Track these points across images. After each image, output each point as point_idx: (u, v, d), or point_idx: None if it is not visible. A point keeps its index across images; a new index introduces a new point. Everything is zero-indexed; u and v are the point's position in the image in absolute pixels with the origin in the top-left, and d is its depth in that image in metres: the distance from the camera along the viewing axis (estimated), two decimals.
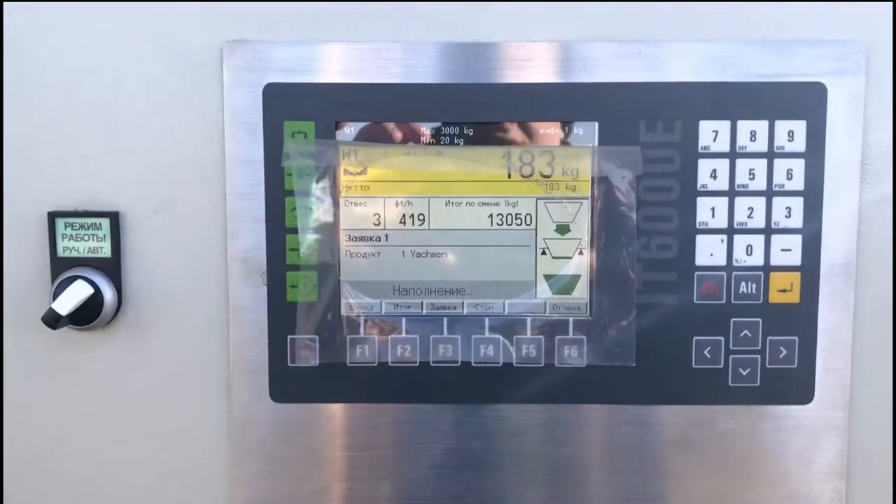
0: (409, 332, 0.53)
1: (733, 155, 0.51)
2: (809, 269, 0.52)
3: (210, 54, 0.51)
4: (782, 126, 0.51)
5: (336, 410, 0.53)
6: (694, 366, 0.52)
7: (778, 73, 0.51)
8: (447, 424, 0.53)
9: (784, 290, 0.52)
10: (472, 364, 0.52)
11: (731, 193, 0.51)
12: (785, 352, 0.52)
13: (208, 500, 0.54)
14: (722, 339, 0.52)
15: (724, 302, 0.52)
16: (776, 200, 0.51)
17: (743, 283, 0.52)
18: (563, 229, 0.52)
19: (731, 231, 0.52)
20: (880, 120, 0.51)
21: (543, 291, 0.52)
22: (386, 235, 0.52)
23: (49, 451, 0.54)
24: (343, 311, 0.52)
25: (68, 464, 0.54)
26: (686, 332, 0.52)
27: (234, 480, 0.53)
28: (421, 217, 0.52)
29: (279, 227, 0.51)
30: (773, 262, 0.52)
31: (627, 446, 0.53)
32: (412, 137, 0.51)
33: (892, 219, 0.52)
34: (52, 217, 0.52)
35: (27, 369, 0.53)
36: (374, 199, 0.52)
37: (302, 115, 0.51)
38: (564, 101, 0.51)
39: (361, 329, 0.53)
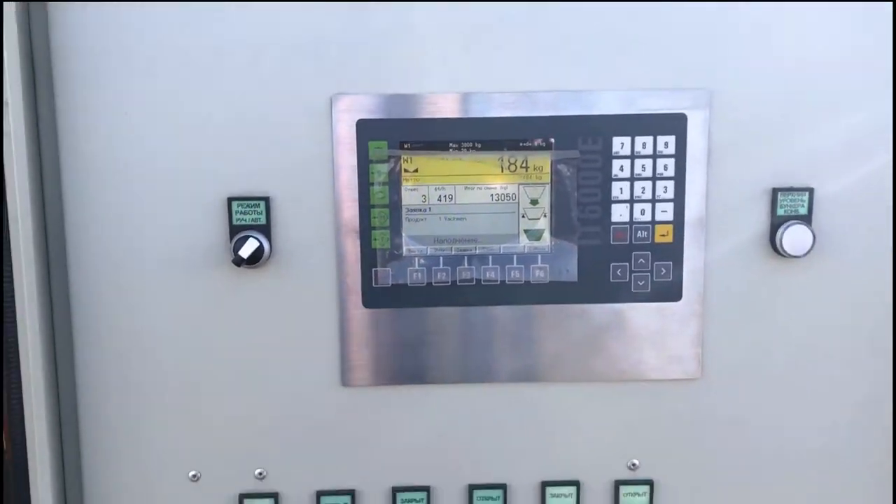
0: (444, 265, 0.89)
1: (633, 157, 0.87)
2: (678, 223, 0.88)
3: (324, 101, 0.85)
4: (661, 139, 0.87)
5: (404, 312, 0.89)
6: (611, 280, 0.89)
7: (660, 108, 0.86)
8: (466, 320, 0.90)
9: (663, 235, 0.89)
10: (482, 283, 0.89)
11: (632, 179, 0.87)
12: (664, 271, 0.89)
13: (324, 374, 0.90)
14: (627, 264, 0.89)
15: (628, 243, 0.88)
16: (658, 183, 0.87)
17: (639, 232, 0.88)
18: (534, 202, 0.88)
19: (631, 201, 0.88)
20: (719, 134, 0.87)
21: (523, 239, 0.88)
22: (429, 208, 0.88)
23: (228, 352, 0.89)
24: (405, 254, 0.88)
25: (248, 358, 0.89)
26: (606, 260, 0.88)
27: (342, 361, 0.89)
28: (450, 196, 0.88)
29: (366, 204, 0.86)
30: (657, 219, 0.88)
31: (574, 331, 0.90)
32: (444, 149, 0.86)
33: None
34: (230, 200, 0.86)
35: (215, 296, 0.88)
36: (421, 186, 0.87)
37: (379, 137, 0.86)
38: (534, 127, 0.86)
39: (416, 264, 0.88)
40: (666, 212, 0.88)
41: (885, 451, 0.93)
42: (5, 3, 0.78)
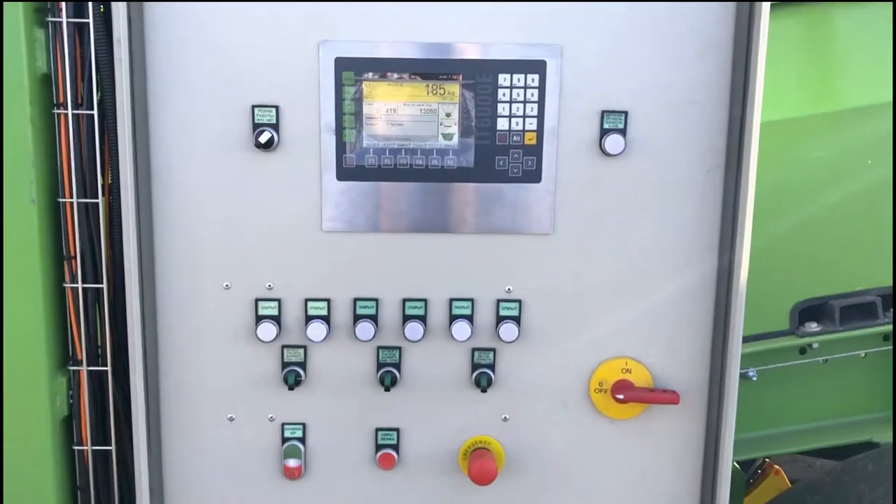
0: (388, 154, 1.38)
1: (511, 87, 1.35)
2: (539, 131, 1.37)
3: (314, 44, 1.32)
4: (530, 77, 1.34)
5: (362, 184, 1.39)
6: (496, 168, 1.38)
7: (530, 56, 1.34)
8: (402, 190, 1.39)
9: (530, 139, 1.37)
10: (413, 167, 1.38)
11: (510, 102, 1.35)
12: (530, 163, 1.38)
13: (311, 223, 1.40)
14: (506, 157, 1.38)
15: (507, 143, 1.37)
16: (527, 105, 1.36)
17: (514, 137, 1.37)
18: (448, 115, 1.36)
19: (510, 117, 1.36)
20: (567, 74, 1.35)
21: (440, 140, 1.37)
22: (380, 117, 1.36)
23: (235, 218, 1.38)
24: (364, 145, 1.37)
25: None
26: (492, 155, 1.37)
27: (321, 214, 1.39)
28: (393, 110, 1.36)
29: (340, 113, 1.35)
30: (526, 128, 1.37)
31: (471, 200, 1.40)
32: (390, 78, 1.34)
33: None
34: (253, 107, 1.35)
35: (244, 167, 1.37)
36: (375, 102, 1.35)
37: (349, 69, 1.34)
38: (449, 66, 1.34)
39: (371, 152, 1.38)
40: (532, 124, 1.37)
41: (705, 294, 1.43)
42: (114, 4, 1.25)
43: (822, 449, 2.04)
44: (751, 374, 2.01)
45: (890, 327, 1.98)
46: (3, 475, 1.36)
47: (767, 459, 2.27)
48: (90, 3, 1.28)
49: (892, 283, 1.98)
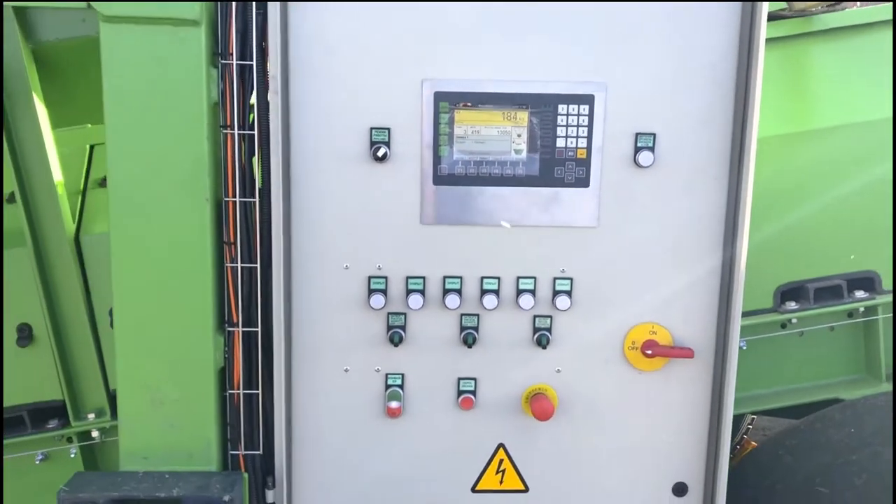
0: (473, 165, 1.79)
1: (567, 115, 1.77)
2: (588, 148, 1.79)
3: (419, 82, 1.73)
4: (582, 107, 1.76)
5: (453, 188, 1.80)
6: (555, 175, 1.80)
7: (582, 91, 1.76)
8: (483, 193, 1.81)
9: (581, 154, 1.79)
10: (491, 174, 1.79)
11: (566, 126, 1.77)
12: (581, 171, 1.80)
13: (411, 218, 1.80)
14: (563, 167, 1.80)
15: (563, 157, 1.79)
16: (580, 128, 1.77)
17: (569, 151, 1.79)
18: (518, 135, 1.78)
19: (566, 136, 1.78)
20: (611, 105, 1.77)
21: (512, 154, 1.79)
22: (467, 136, 1.77)
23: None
24: (454, 158, 1.78)
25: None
26: (552, 165, 1.79)
27: (421, 210, 1.80)
28: (478, 132, 1.77)
29: (437, 133, 1.76)
30: (578, 146, 1.79)
31: (535, 201, 1.81)
32: (476, 107, 1.75)
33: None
34: (371, 129, 1.75)
35: (365, 174, 1.77)
36: (463, 125, 1.76)
37: (444, 101, 1.74)
38: (519, 98, 1.75)
39: (459, 163, 1.79)
40: (583, 143, 1.79)
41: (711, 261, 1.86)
42: (270, 4, 1.64)
43: (796, 406, 2.48)
44: (741, 344, 2.45)
45: (853, 305, 2.43)
46: None
47: (745, 436, 2.69)
48: (253, 48, 1.68)
49: (856, 269, 2.43)
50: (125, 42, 1.60)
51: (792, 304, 2.42)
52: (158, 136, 1.65)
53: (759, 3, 1.71)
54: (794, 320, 2.44)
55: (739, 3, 1.75)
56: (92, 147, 2.42)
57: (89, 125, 2.42)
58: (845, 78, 2.47)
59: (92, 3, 1.57)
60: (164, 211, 1.69)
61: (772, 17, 2.48)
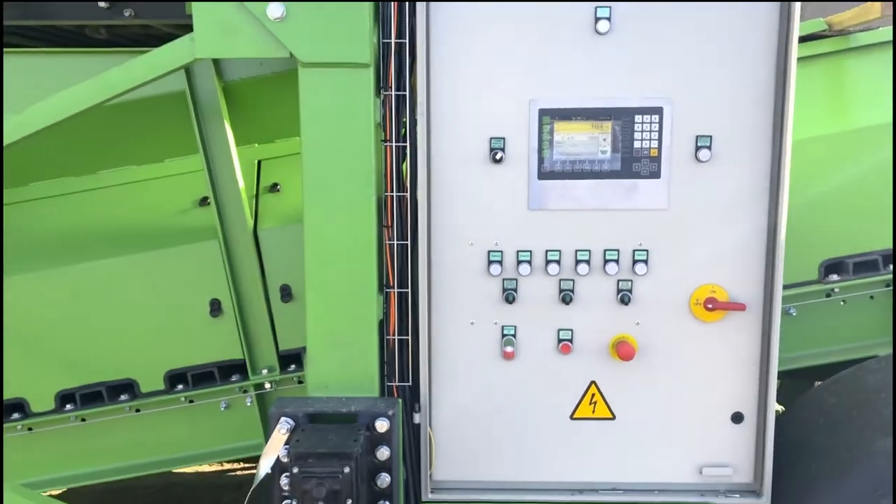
0: (568, 163, 2.34)
1: (642, 123, 2.30)
2: (659, 147, 2.31)
3: (527, 101, 2.29)
4: (654, 116, 2.29)
5: (552, 182, 2.36)
6: (632, 169, 2.33)
7: (652, 104, 2.29)
8: (576, 185, 2.35)
9: (654, 152, 2.32)
10: (582, 170, 2.34)
11: (641, 131, 2.30)
12: (655, 166, 2.33)
13: (519, 204, 2.36)
14: (639, 163, 2.33)
15: (640, 155, 2.32)
16: (652, 133, 2.30)
17: (644, 150, 2.31)
18: (604, 140, 2.32)
19: (641, 140, 2.31)
20: (676, 115, 2.29)
21: (599, 154, 2.33)
22: (563, 142, 2.33)
23: None
24: (553, 158, 2.33)
25: None
26: (631, 161, 2.32)
27: (528, 197, 2.35)
28: (571, 138, 2.32)
29: (539, 140, 2.31)
30: (651, 146, 2.31)
31: (619, 191, 2.35)
32: (570, 119, 2.30)
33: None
34: (490, 138, 2.31)
35: (483, 173, 2.34)
36: (560, 133, 2.31)
37: (546, 115, 2.30)
38: (604, 111, 2.29)
39: (558, 162, 2.34)
40: (655, 144, 2.31)
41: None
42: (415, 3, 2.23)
43: (840, 363, 2.92)
44: (791, 311, 2.91)
45: (889, 277, 2.87)
46: None
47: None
48: (406, 81, 2.27)
49: (891, 247, 2.87)
50: (317, 81, 2.21)
51: (834, 277, 2.88)
52: (339, 149, 2.25)
53: (791, 38, 2.21)
54: (836, 290, 2.90)
55: (775, 38, 2.25)
56: (259, 162, 3.07)
57: (256, 144, 3.06)
58: (878, 86, 2.93)
59: (294, 54, 2.19)
60: (343, 204, 2.28)
61: (814, 37, 2.97)
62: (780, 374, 2.81)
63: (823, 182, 2.90)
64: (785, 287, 2.73)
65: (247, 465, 5.29)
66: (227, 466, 5.37)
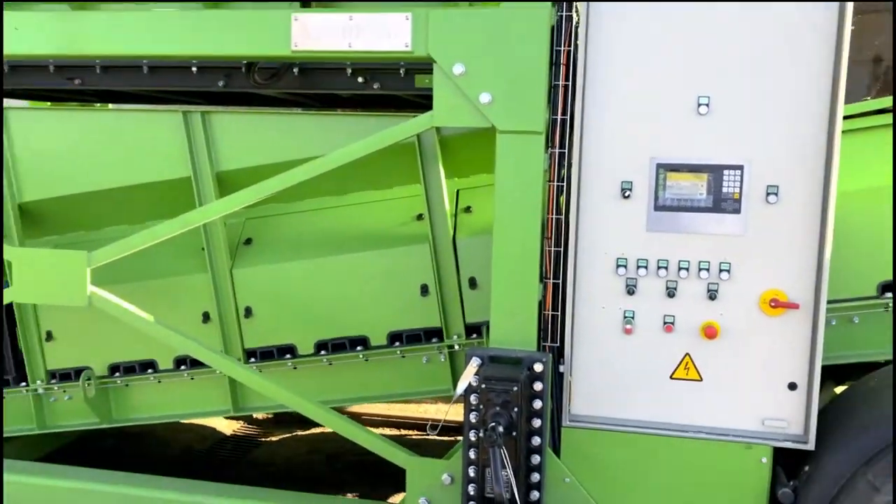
0: (671, 197, 3.42)
1: (730, 178, 3.34)
2: (740, 193, 3.34)
3: (650, 158, 3.40)
4: (736, 171, 3.33)
5: (659, 213, 3.44)
6: (721, 207, 3.37)
7: (736, 162, 3.33)
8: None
9: (735, 196, 3.35)
10: (679, 202, 3.41)
11: (728, 180, 3.35)
12: (736, 205, 3.36)
13: (639, 225, 3.46)
14: (727, 202, 3.37)
15: (725, 198, 3.36)
16: (733, 182, 3.34)
17: (728, 194, 3.35)
18: (702, 186, 3.38)
19: (729, 187, 3.35)
20: (754, 170, 3.32)
21: (698, 195, 3.40)
22: (670, 187, 3.41)
23: None
24: (665, 192, 3.43)
25: None
26: (720, 202, 3.37)
27: (647, 214, 3.45)
28: (679, 183, 3.40)
29: (655, 183, 3.40)
30: (732, 191, 3.35)
31: (709, 223, 3.40)
32: (676, 171, 3.38)
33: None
34: (621, 182, 3.43)
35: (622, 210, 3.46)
36: (671, 182, 3.40)
37: (661, 168, 3.39)
38: (702, 165, 3.36)
39: (668, 196, 3.42)
40: (737, 190, 3.34)
41: None
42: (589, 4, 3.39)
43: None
44: (855, 319, 3.78)
45: None
46: None
47: None
48: (566, 144, 3.44)
49: None
50: (509, 142, 3.42)
51: (888, 295, 3.74)
52: (520, 186, 3.45)
53: (836, 114, 3.19)
54: (890, 304, 3.76)
55: (825, 123, 3.23)
56: (458, 191, 4.34)
57: (456, 178, 4.34)
58: None
59: (494, 125, 3.42)
60: (520, 223, 3.48)
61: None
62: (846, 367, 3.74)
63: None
64: (849, 300, 3.67)
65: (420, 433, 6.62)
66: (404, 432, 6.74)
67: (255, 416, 7.12)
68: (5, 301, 4.02)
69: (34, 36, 3.73)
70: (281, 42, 3.53)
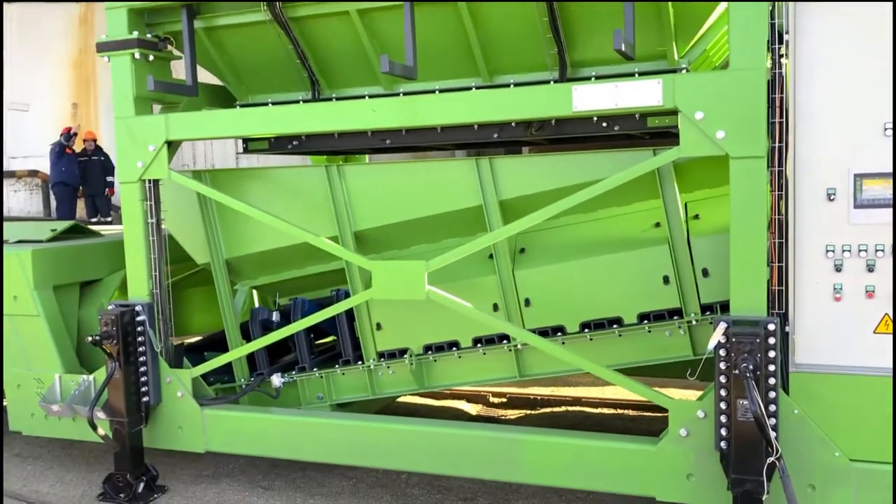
0: None
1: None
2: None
3: (846, 169, 4.62)
4: None
5: None
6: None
7: None
8: None
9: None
10: None
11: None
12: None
13: None
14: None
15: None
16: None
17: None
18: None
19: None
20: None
21: None
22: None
23: None
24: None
25: None
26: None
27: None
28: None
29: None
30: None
31: None
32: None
33: None
34: (827, 189, 4.66)
35: None
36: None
37: (857, 175, 4.61)
38: None
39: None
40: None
41: None
42: None
43: None
44: None
45: None
46: None
47: None
48: (783, 161, 4.72)
49: None
50: (741, 166, 4.74)
51: None
52: (751, 196, 4.74)
53: None
54: None
55: None
56: (685, 203, 5.68)
57: (683, 193, 5.69)
58: None
59: (728, 153, 4.75)
60: (749, 223, 4.77)
61: None
62: None
63: None
64: None
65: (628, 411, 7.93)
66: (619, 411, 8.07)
67: (491, 400, 8.66)
68: (360, 300, 5.76)
69: (387, 116, 5.43)
70: (564, 106, 5.03)
